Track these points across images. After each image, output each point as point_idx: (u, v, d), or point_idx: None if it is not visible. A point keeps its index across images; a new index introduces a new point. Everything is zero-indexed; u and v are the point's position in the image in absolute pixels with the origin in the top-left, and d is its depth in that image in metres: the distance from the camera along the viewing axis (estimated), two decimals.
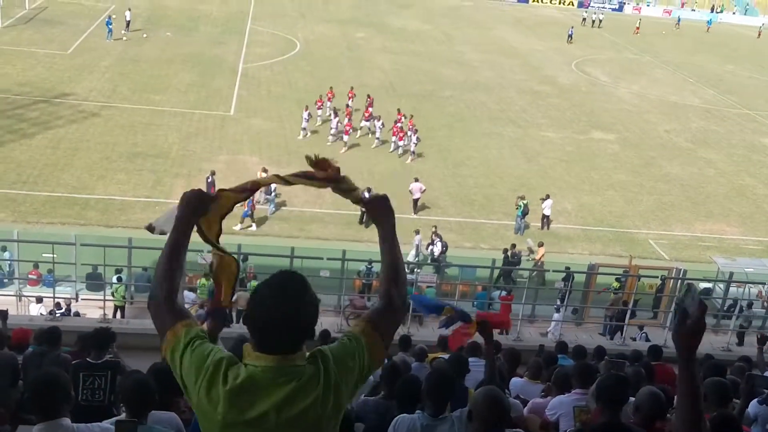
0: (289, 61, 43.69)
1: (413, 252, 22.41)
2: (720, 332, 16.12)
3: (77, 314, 14.59)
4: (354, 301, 17.22)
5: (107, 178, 25.67)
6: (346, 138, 30.36)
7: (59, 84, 34.54)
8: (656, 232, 26.99)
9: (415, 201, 25.60)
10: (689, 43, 64.25)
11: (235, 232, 22.17)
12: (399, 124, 30.96)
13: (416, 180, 25.76)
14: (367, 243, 22.46)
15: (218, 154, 28.59)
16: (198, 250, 14.26)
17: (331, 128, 31.22)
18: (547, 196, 26.00)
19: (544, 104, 40.52)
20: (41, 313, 14.82)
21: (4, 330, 8.71)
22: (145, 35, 44.42)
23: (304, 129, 31.16)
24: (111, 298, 16.57)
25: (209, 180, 24.15)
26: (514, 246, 22.70)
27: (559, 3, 76.17)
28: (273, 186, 23.99)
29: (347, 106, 33.32)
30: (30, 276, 18.02)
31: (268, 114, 33.79)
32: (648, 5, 77.83)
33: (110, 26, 42.62)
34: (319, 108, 32.75)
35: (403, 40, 51.88)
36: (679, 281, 16.27)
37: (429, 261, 22.54)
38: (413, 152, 30.36)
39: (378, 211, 3.03)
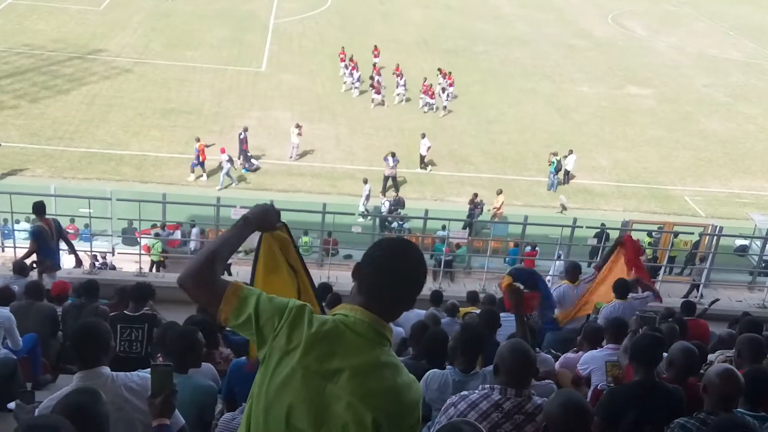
0: (321, 15, 43.30)
1: (362, 201, 22.26)
2: (756, 289, 15.93)
3: (113, 268, 14.85)
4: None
5: (141, 135, 25.88)
6: (377, 96, 30.13)
7: (92, 40, 34.67)
8: (692, 188, 26.58)
9: (422, 157, 25.43)
10: None
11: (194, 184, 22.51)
12: (429, 83, 30.63)
13: (423, 136, 25.51)
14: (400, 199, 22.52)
15: (250, 110, 28.63)
16: (230, 206, 14.38)
17: (354, 83, 31.20)
18: (570, 152, 25.68)
19: (579, 58, 39.80)
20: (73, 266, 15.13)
21: (42, 282, 8.91)
22: None
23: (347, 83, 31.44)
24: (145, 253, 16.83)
25: (242, 136, 24.24)
26: (476, 195, 22.37)
27: None
28: (254, 161, 24.19)
29: (374, 64, 32.73)
30: (67, 230, 18.34)
31: (299, 69, 33.67)
32: None
33: None
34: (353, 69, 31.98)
35: None
36: (715, 237, 16.05)
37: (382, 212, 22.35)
38: (445, 107, 30.14)
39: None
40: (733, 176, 27.82)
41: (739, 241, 19.72)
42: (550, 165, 25.18)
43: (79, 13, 38.48)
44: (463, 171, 25.80)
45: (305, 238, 19.61)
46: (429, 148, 25.35)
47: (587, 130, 30.34)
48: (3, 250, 14.49)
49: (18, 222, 17.46)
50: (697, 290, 15.06)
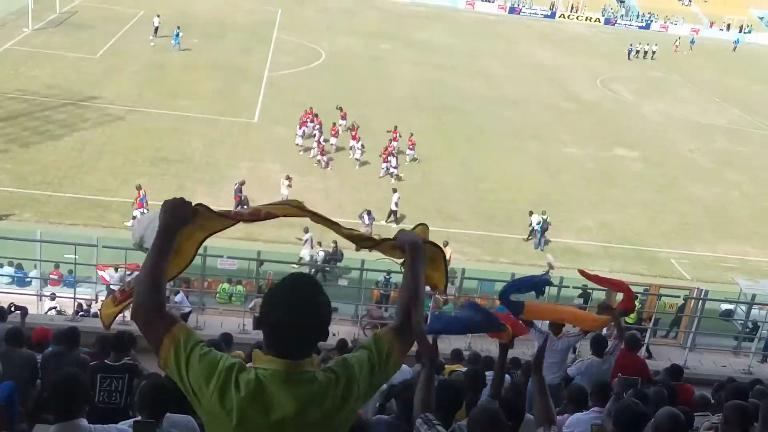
0: (314, 70, 43.92)
1: (306, 250, 22.24)
2: (741, 354, 15.90)
3: (96, 315, 14.68)
4: (371, 311, 17.18)
5: (131, 182, 25.78)
6: (323, 158, 29.47)
7: (87, 87, 34.92)
8: (678, 251, 26.74)
9: (392, 211, 25.50)
10: (716, 63, 63.78)
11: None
12: (394, 143, 29.85)
13: (394, 191, 25.74)
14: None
15: (241, 161, 28.76)
16: (218, 255, 14.31)
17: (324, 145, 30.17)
18: (531, 213, 25.84)
19: (567, 120, 40.39)
20: (54, 311, 14.97)
21: (23, 327, 8.78)
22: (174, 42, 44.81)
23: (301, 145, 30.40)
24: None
25: (236, 188, 24.29)
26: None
27: (587, 20, 75.92)
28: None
29: (334, 123, 31.76)
30: (51, 276, 18.18)
31: (292, 122, 33.81)
32: (675, 24, 77.29)
33: (177, 38, 43.03)
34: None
35: (428, 52, 51.94)
36: (701, 301, 16.08)
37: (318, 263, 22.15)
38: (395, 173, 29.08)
39: (406, 238, 3.19)
40: (718, 241, 28.04)
41: (725, 306, 19.73)
42: (537, 224, 25.30)
43: (75, 60, 38.85)
44: (450, 227, 25.85)
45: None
46: (396, 201, 25.49)
47: (574, 191, 30.61)
48: None
49: (1, 266, 17.32)
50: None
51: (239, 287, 18.99)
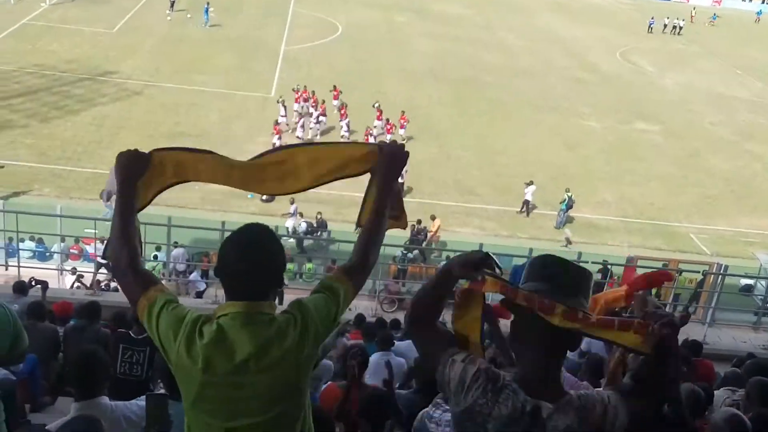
0: (331, 44, 43.69)
1: (291, 221, 21.97)
2: (761, 330, 15.80)
3: (116, 289, 14.81)
4: (389, 286, 17.24)
5: None
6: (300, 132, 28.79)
7: (104, 62, 34.97)
8: (698, 225, 26.51)
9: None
10: (738, 35, 62.77)
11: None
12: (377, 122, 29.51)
13: None
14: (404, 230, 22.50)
15: (258, 135, 28.72)
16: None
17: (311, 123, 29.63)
18: (531, 182, 25.55)
19: (586, 92, 39.98)
20: (76, 286, 15.12)
21: (44, 301, 8.87)
22: (189, 15, 44.73)
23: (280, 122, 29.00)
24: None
25: None
26: (419, 221, 22.30)
27: None
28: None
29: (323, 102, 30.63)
30: (72, 251, 18.36)
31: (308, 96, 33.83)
32: None
33: (207, 14, 43.25)
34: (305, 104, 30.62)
35: (445, 24, 51.47)
36: (720, 276, 15.95)
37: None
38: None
39: (388, 160, 3.06)
40: (739, 215, 27.75)
41: (745, 281, 19.58)
42: (561, 202, 25.04)
43: (92, 35, 38.88)
44: (469, 202, 25.79)
45: (309, 265, 19.65)
46: (406, 172, 25.32)
47: (593, 164, 30.37)
48: (7, 269, 14.48)
49: (23, 241, 17.48)
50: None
51: None
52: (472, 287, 2.52)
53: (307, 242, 22.00)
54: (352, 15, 51.36)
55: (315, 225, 22.20)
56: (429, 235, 22.46)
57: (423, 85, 36.97)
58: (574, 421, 2.32)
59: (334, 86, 32.31)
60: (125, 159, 2.94)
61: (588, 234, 24.78)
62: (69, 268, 16.68)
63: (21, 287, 9.48)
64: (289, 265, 19.47)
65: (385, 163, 3.04)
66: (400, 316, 11.52)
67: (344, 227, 20.51)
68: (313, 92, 31.30)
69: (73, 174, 24.17)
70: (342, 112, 29.86)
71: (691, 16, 64.09)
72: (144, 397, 3.51)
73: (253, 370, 2.55)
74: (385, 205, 3.02)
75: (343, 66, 38.68)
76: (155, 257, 17.35)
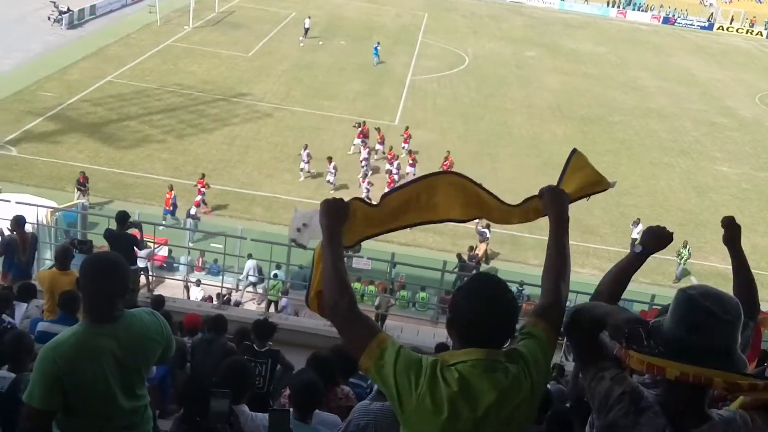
0: (457, 75, 43.87)
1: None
2: None
3: (237, 304, 15.27)
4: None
5: (274, 177, 26.80)
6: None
7: (238, 84, 36.52)
8: None
9: None
10: None
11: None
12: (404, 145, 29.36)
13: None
14: (520, 263, 22.16)
15: (379, 163, 29.12)
16: (358, 256, 14.45)
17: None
18: (638, 221, 24.76)
19: (721, 137, 38.28)
20: (200, 298, 15.67)
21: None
22: (321, 42, 46.13)
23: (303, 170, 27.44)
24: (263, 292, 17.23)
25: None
26: (472, 248, 21.72)
27: (747, 32, 71.59)
28: None
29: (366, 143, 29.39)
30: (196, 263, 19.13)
31: (431, 126, 34.07)
32: None
33: (377, 52, 43.48)
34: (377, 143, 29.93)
35: (576, 61, 50.73)
36: None
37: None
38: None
39: (550, 204, 3.21)
40: None
41: None
42: (679, 257, 23.99)
43: (229, 58, 40.72)
44: (588, 242, 25.12)
45: (422, 294, 19.59)
46: None
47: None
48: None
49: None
50: None
51: (371, 287, 19.21)
52: (618, 354, 2.57)
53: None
54: (480, 47, 51.47)
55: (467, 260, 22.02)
56: (479, 256, 22.40)
57: (548, 122, 36.49)
58: None
59: (378, 129, 30.88)
60: (333, 207, 3.00)
61: (715, 283, 23.20)
62: (194, 279, 17.38)
63: (156, 302, 9.76)
64: (401, 293, 19.54)
65: (549, 205, 3.20)
66: None
67: (439, 255, 20.46)
68: (378, 129, 30.68)
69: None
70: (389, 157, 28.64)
71: None
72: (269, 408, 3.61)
73: (493, 419, 2.54)
74: (563, 243, 3.11)
75: (468, 97, 38.74)
76: (275, 276, 17.80)
